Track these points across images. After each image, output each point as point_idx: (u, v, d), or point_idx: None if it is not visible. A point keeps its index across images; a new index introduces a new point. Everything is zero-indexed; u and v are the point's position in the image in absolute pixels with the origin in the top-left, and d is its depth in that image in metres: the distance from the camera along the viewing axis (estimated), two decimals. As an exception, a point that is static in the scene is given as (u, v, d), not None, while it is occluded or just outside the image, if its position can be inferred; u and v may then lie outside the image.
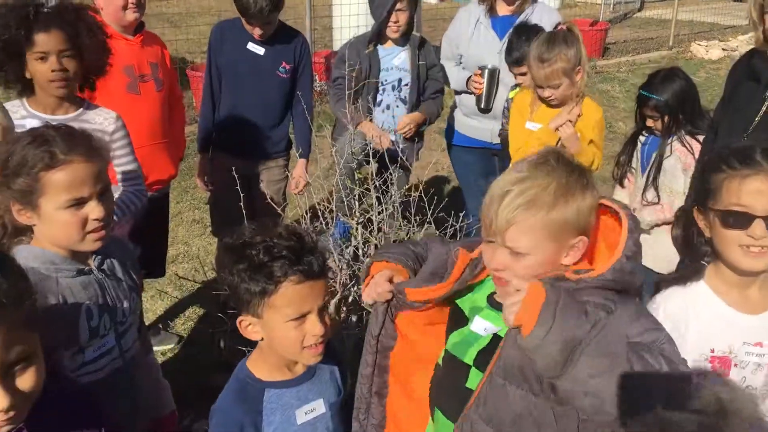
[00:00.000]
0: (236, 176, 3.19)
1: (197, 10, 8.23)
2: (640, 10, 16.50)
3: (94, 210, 1.78)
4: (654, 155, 3.35)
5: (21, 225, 1.80)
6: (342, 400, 1.87)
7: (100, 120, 2.65)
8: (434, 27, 10.07)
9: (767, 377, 1.86)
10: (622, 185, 3.56)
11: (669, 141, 3.30)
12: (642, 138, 3.48)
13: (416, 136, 4.24)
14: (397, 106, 4.17)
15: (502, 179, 1.51)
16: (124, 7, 3.26)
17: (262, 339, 1.70)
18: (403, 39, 4.06)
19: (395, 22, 3.96)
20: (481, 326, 1.65)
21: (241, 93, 3.77)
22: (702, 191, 1.84)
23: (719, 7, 15.23)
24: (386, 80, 4.10)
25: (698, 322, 1.86)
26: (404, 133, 4.08)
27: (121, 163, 2.72)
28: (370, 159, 3.52)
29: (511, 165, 1.54)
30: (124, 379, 1.96)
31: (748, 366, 1.84)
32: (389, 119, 4.11)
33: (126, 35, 3.35)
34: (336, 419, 1.83)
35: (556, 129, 3.21)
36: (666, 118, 3.28)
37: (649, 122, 3.37)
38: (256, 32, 3.63)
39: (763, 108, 2.46)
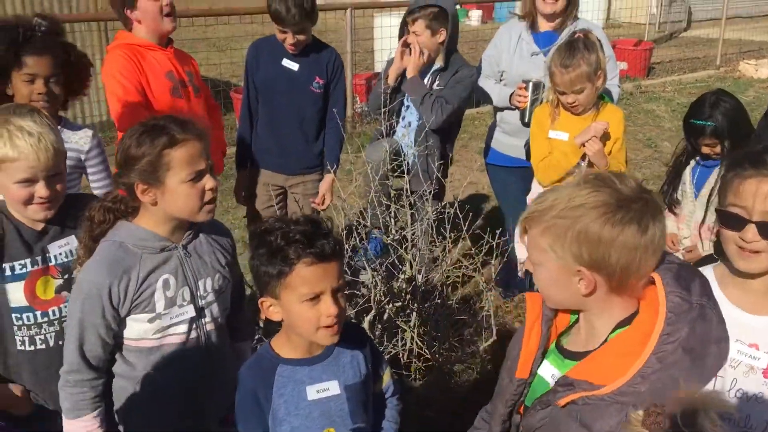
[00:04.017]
0: (273, 191, 3.19)
1: (241, 34, 8.37)
2: (686, 29, 16.26)
3: (209, 181, 2.00)
4: (714, 179, 3.26)
5: (120, 214, 2.05)
6: (361, 383, 1.90)
7: (76, 139, 2.75)
8: (475, 48, 10.08)
9: (762, 384, 1.75)
10: (673, 212, 3.47)
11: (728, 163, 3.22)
12: (692, 162, 3.39)
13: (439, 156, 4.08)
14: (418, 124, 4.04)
15: None
16: (162, 13, 3.33)
17: (283, 320, 1.80)
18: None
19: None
20: (548, 372, 1.57)
21: (277, 109, 3.80)
22: (719, 192, 1.84)
23: (769, 25, 14.93)
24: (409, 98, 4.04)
25: None
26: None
27: (96, 179, 2.83)
28: (405, 174, 3.50)
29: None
30: (201, 351, 2.14)
31: (739, 366, 1.76)
32: (409, 136, 4.02)
33: (160, 47, 3.42)
34: (354, 401, 1.87)
35: (582, 145, 3.18)
36: (727, 143, 3.19)
37: (706, 149, 3.27)
38: (288, 41, 3.64)
39: (806, 123, 2.37)
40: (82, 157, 2.73)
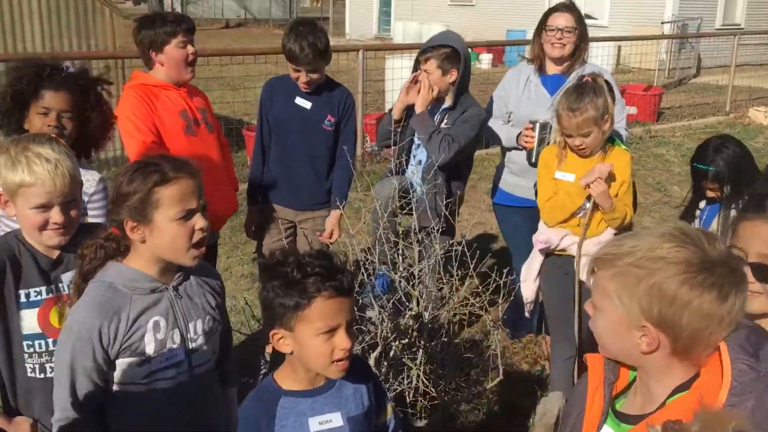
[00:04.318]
0: (283, 226, 3.22)
1: (255, 74, 8.53)
2: (696, 75, 16.42)
3: (199, 221, 1.97)
4: (715, 223, 3.28)
5: (112, 253, 2.02)
6: (364, 415, 1.90)
7: (83, 181, 2.75)
8: (485, 90, 10.18)
9: None
10: None
11: (733, 207, 3.25)
12: (701, 205, 3.43)
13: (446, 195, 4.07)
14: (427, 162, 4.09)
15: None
16: (186, 61, 3.43)
17: (292, 352, 1.81)
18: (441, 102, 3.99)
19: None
20: None
21: (290, 147, 3.85)
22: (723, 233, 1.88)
23: (778, 73, 15.02)
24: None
25: None
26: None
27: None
28: (413, 210, 3.53)
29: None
30: (191, 394, 2.09)
31: None
32: (418, 174, 4.05)
33: (175, 86, 3.50)
34: None
35: (587, 186, 3.19)
36: (727, 188, 3.22)
37: (710, 193, 3.30)
38: (302, 79, 3.70)
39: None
40: (85, 199, 2.72)
